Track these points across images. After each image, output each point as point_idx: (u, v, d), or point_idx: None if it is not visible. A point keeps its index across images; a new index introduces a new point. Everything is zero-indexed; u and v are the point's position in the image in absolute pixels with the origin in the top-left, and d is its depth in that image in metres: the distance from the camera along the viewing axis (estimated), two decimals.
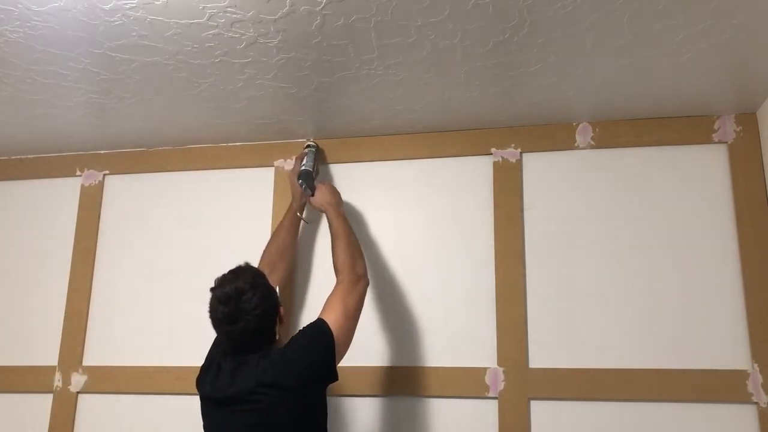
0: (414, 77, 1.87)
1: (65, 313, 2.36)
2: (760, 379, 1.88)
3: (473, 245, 2.14)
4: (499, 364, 2.03)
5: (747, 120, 2.06)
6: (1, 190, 2.56)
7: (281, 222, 2.15)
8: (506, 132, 2.20)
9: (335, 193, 2.13)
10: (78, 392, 2.28)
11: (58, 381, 2.30)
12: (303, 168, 2.17)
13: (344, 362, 2.13)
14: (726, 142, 2.06)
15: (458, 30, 1.63)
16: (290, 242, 2.13)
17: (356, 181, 2.28)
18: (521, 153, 2.18)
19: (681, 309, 1.98)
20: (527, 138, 2.18)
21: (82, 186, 2.48)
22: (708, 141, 2.07)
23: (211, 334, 2.24)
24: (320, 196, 2.10)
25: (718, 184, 2.04)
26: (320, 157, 2.26)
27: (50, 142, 2.42)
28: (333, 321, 1.72)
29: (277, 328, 1.74)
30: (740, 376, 1.89)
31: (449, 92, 1.96)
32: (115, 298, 2.36)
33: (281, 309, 1.75)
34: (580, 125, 2.15)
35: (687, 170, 2.07)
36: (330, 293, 1.83)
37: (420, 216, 2.21)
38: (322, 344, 1.69)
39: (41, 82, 1.93)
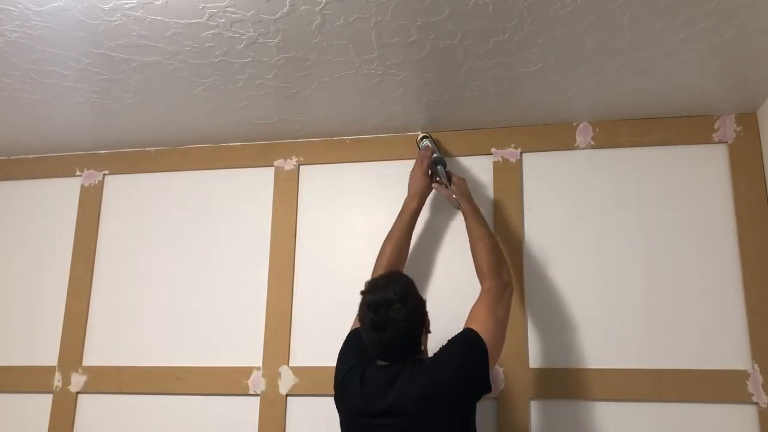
0: (414, 77, 1.87)
1: (65, 313, 2.36)
2: (760, 379, 1.88)
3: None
4: (499, 364, 2.02)
5: (747, 120, 2.06)
6: (1, 190, 2.56)
7: (396, 223, 2.03)
8: (506, 132, 2.20)
9: (467, 188, 2.05)
10: (78, 392, 2.28)
11: (58, 381, 2.30)
12: (437, 155, 2.07)
13: None
14: (726, 142, 2.06)
15: (458, 30, 1.63)
16: (406, 244, 2.04)
17: (356, 181, 2.28)
18: (521, 153, 2.18)
19: (681, 309, 1.98)
20: (527, 138, 2.18)
21: (82, 186, 2.48)
22: (708, 141, 2.07)
23: (209, 334, 2.25)
24: (461, 188, 2.02)
25: (718, 184, 2.04)
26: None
27: (50, 142, 2.42)
28: (483, 330, 1.66)
29: (422, 338, 1.71)
30: (740, 376, 1.89)
31: (449, 92, 1.96)
32: (115, 298, 2.36)
33: (428, 320, 1.72)
34: (580, 125, 2.15)
35: (687, 170, 2.07)
36: (476, 301, 1.78)
37: (420, 216, 2.20)
38: (476, 354, 1.64)
39: (41, 82, 1.93)
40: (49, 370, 2.32)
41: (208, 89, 1.96)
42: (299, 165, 2.32)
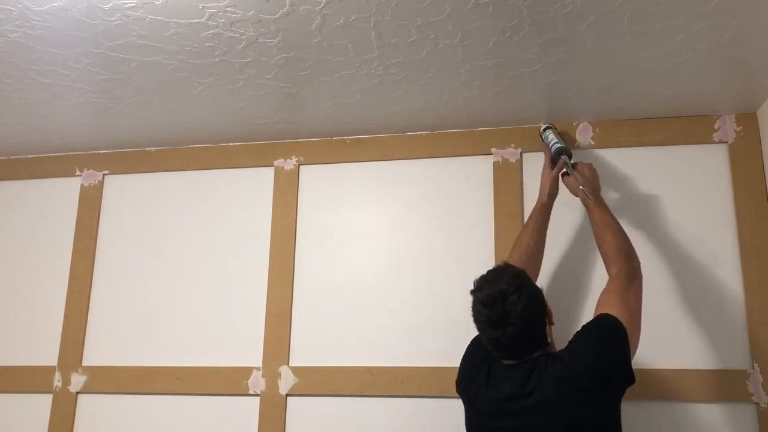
0: (414, 77, 1.87)
1: (65, 313, 2.36)
2: (760, 379, 1.88)
3: (473, 245, 2.14)
4: None
5: (747, 120, 2.06)
6: (1, 190, 2.56)
7: (527, 224, 1.94)
8: (506, 132, 2.20)
9: (596, 176, 1.93)
10: (78, 392, 2.28)
11: (57, 381, 2.30)
12: (560, 145, 1.96)
13: (344, 362, 2.14)
14: (726, 142, 2.06)
15: (458, 30, 1.63)
16: (539, 246, 1.91)
17: (356, 181, 2.28)
18: (521, 153, 2.18)
19: (681, 309, 1.98)
20: (527, 138, 2.18)
21: (82, 186, 2.48)
22: (708, 141, 2.07)
23: (209, 334, 2.25)
24: (587, 177, 1.90)
25: (718, 184, 2.04)
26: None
27: (50, 142, 2.42)
28: (622, 314, 1.54)
29: (548, 330, 1.59)
30: (740, 376, 1.89)
31: (449, 92, 1.96)
32: (115, 298, 2.36)
33: (549, 310, 1.60)
34: (581, 125, 2.15)
35: (687, 170, 2.07)
36: (605, 289, 1.67)
37: (420, 216, 2.21)
38: (617, 341, 1.51)
39: (41, 82, 1.93)
40: (49, 370, 2.32)
41: (208, 89, 1.96)
42: (299, 165, 2.32)
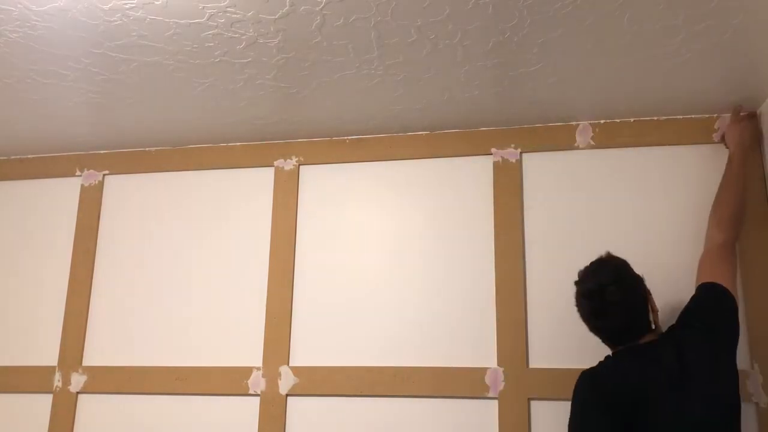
0: (414, 77, 1.87)
1: (65, 313, 2.36)
2: (760, 379, 1.88)
3: (473, 245, 2.14)
4: (499, 364, 2.03)
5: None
6: (1, 190, 2.56)
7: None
8: (506, 132, 2.20)
9: (744, 131, 1.94)
10: (78, 392, 2.28)
11: (57, 381, 2.30)
12: None
13: (343, 362, 2.14)
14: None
15: (458, 30, 1.63)
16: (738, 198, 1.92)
17: (356, 181, 2.28)
18: (521, 153, 2.18)
19: (681, 309, 1.97)
20: (527, 138, 2.18)
21: (82, 186, 2.48)
22: (708, 141, 2.07)
23: (209, 334, 2.25)
24: (733, 132, 1.94)
25: (717, 184, 2.04)
26: None
27: (50, 142, 2.42)
28: (731, 287, 1.67)
29: (652, 317, 1.69)
30: (740, 376, 1.88)
31: (449, 92, 1.96)
32: (115, 298, 2.36)
33: (651, 298, 1.70)
34: (580, 125, 2.15)
35: (687, 170, 2.07)
36: (713, 254, 1.76)
37: (420, 216, 2.21)
38: (731, 307, 1.65)
39: (41, 82, 1.93)
40: (49, 370, 2.32)
41: (208, 89, 1.96)
42: (299, 165, 2.32)
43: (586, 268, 1.71)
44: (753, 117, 2.02)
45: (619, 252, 2.03)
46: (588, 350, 2.00)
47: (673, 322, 1.75)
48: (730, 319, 1.66)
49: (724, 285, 1.67)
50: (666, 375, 1.56)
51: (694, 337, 1.62)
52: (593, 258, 2.05)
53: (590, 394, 1.64)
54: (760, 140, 2.02)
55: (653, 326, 1.69)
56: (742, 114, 2.01)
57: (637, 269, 2.02)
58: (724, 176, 1.90)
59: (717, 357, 1.60)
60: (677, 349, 1.59)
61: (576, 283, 1.70)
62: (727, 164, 1.93)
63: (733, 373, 1.61)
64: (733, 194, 1.85)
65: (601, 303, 1.62)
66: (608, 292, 1.61)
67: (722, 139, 2.03)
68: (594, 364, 1.98)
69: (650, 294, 1.71)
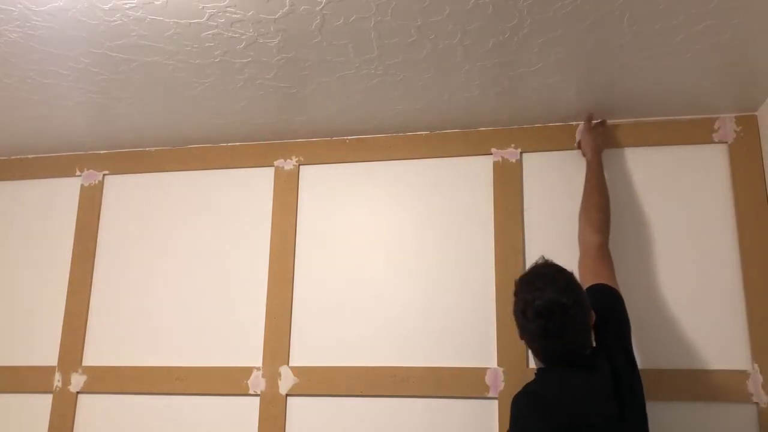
0: (414, 77, 1.87)
1: (65, 313, 2.36)
2: (760, 379, 1.88)
3: (473, 245, 2.14)
4: (499, 364, 2.03)
5: (747, 120, 2.06)
6: (1, 190, 2.56)
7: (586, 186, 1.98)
8: (506, 132, 2.20)
9: (597, 137, 2.02)
10: (78, 392, 2.28)
11: (57, 381, 2.30)
12: None
13: (344, 362, 2.14)
14: (726, 142, 2.06)
15: (458, 30, 1.63)
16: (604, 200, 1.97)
17: (356, 181, 2.28)
18: (521, 153, 2.18)
19: (681, 309, 1.98)
20: (527, 138, 2.18)
21: (82, 186, 2.48)
22: (708, 141, 2.07)
23: (209, 334, 2.25)
24: (587, 140, 2.01)
25: (718, 184, 2.04)
26: None
27: (50, 142, 2.42)
28: (616, 288, 1.67)
29: (593, 333, 1.59)
30: (740, 376, 1.89)
31: (449, 92, 1.96)
32: (115, 298, 2.36)
33: (592, 313, 1.57)
34: (581, 125, 2.15)
35: (687, 170, 2.07)
36: (593, 255, 1.76)
37: (420, 216, 2.21)
38: (623, 306, 1.66)
39: (41, 82, 1.93)
40: (49, 370, 2.32)
41: (208, 89, 1.96)
42: (299, 165, 2.32)
43: (532, 278, 1.53)
44: (604, 123, 2.10)
45: (619, 251, 2.04)
46: None
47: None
48: (626, 318, 1.66)
49: (611, 284, 1.67)
50: (612, 394, 1.50)
51: (612, 343, 1.58)
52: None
53: (534, 416, 1.51)
54: (759, 140, 2.03)
55: (594, 343, 1.60)
56: (594, 122, 2.08)
57: (638, 269, 2.03)
58: (588, 181, 1.94)
59: (629, 357, 1.60)
60: (610, 361, 1.54)
61: (519, 293, 1.53)
62: (588, 170, 1.98)
63: (635, 367, 1.60)
64: (600, 197, 1.88)
65: (561, 325, 1.47)
66: (570, 315, 1.47)
67: (579, 146, 2.09)
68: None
69: (592, 310, 1.59)
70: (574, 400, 1.49)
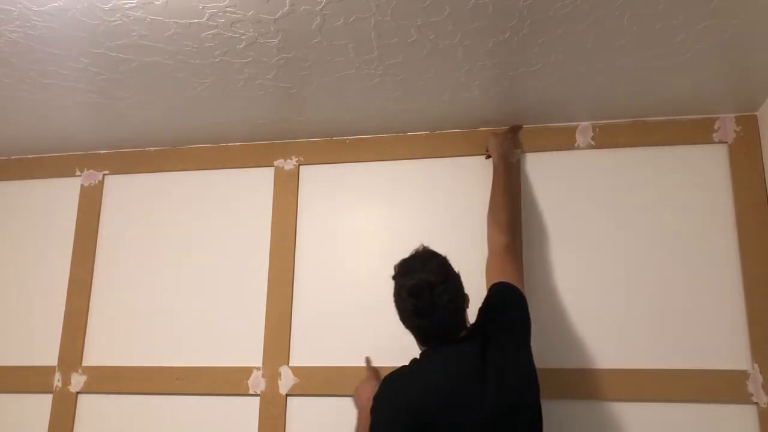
0: (414, 77, 1.87)
1: (65, 313, 2.36)
2: (760, 379, 1.88)
3: (473, 245, 2.14)
4: None
5: (747, 120, 2.06)
6: (1, 190, 2.56)
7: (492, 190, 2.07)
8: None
9: (508, 142, 2.10)
10: (78, 392, 2.28)
11: (57, 381, 2.30)
12: None
13: (344, 362, 2.13)
14: (726, 142, 2.06)
15: (458, 30, 1.63)
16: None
17: (356, 181, 2.28)
18: (521, 153, 2.18)
19: (681, 309, 1.98)
20: (527, 138, 2.18)
21: (82, 186, 2.48)
22: (708, 141, 2.07)
23: (209, 334, 2.25)
24: (494, 144, 2.09)
25: (718, 184, 2.04)
26: None
27: (50, 142, 2.42)
28: (521, 287, 1.72)
29: (466, 315, 1.66)
30: (740, 376, 1.89)
31: (449, 92, 1.96)
32: (115, 298, 2.36)
33: (467, 296, 1.66)
34: (580, 125, 2.15)
35: (687, 170, 2.07)
36: (497, 256, 1.82)
37: (420, 216, 2.21)
38: (524, 304, 1.69)
39: (41, 82, 1.93)
40: (49, 370, 2.32)
41: (208, 89, 1.96)
42: (299, 165, 2.32)
43: (407, 262, 1.63)
44: (515, 129, 2.17)
45: (619, 251, 2.05)
46: (588, 350, 2.00)
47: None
48: (524, 316, 1.69)
49: (515, 283, 1.72)
50: (473, 375, 1.53)
51: (498, 335, 1.61)
52: (593, 258, 2.06)
53: (394, 403, 1.55)
54: (759, 140, 2.03)
55: (467, 325, 1.65)
56: (503, 128, 2.16)
57: (638, 269, 2.03)
58: (495, 184, 2.00)
59: (521, 353, 1.62)
60: (483, 347, 1.57)
61: (396, 277, 1.61)
62: (494, 174, 2.03)
63: (532, 366, 1.62)
64: (507, 200, 1.96)
65: (428, 303, 1.54)
66: (437, 291, 1.54)
67: (486, 151, 2.14)
68: (593, 364, 1.99)
69: (466, 292, 1.65)
70: (431, 379, 1.55)
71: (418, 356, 1.65)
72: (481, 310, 1.69)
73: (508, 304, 1.69)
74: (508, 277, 1.73)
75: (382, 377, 1.65)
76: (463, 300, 1.64)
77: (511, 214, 1.95)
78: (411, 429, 1.50)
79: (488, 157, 2.14)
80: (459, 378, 1.54)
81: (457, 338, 1.60)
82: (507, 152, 2.08)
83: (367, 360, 1.88)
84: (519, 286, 1.72)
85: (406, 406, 1.53)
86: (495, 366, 1.55)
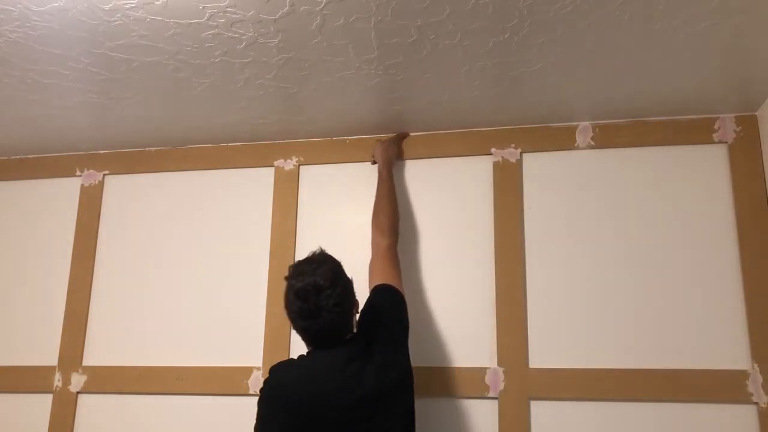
0: (414, 77, 1.87)
1: (65, 313, 2.36)
2: (760, 379, 1.88)
3: (473, 245, 2.14)
4: (499, 364, 2.03)
5: (747, 120, 2.06)
6: (1, 190, 2.56)
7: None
8: (506, 132, 2.20)
9: (392, 150, 2.17)
10: (78, 392, 2.28)
11: (58, 381, 2.30)
12: None
13: None
14: (726, 142, 2.06)
15: (458, 30, 1.63)
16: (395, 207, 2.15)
17: (356, 181, 2.28)
18: (521, 153, 2.18)
19: (681, 309, 1.98)
20: (527, 138, 2.18)
21: (82, 186, 2.48)
22: (708, 141, 2.07)
23: (209, 334, 2.25)
24: (377, 151, 2.17)
25: (718, 184, 2.04)
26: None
27: (50, 142, 2.42)
28: (400, 288, 1.80)
29: (354, 320, 1.71)
30: (740, 376, 1.89)
31: (449, 92, 1.96)
32: (115, 298, 2.36)
33: (357, 301, 1.72)
34: (580, 125, 2.15)
35: (687, 170, 2.07)
36: (379, 257, 1.90)
37: (420, 216, 2.21)
38: (404, 306, 1.77)
39: (41, 82, 1.93)
40: (49, 370, 2.32)
41: (208, 89, 1.96)
42: (299, 165, 2.33)
43: (300, 264, 1.66)
44: (402, 137, 2.24)
45: (619, 251, 2.05)
46: (588, 350, 2.00)
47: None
48: (403, 316, 1.76)
49: (395, 286, 1.79)
50: (353, 373, 1.59)
51: (378, 335, 1.68)
52: (593, 258, 2.06)
53: (273, 399, 1.61)
54: (759, 140, 2.03)
55: (354, 330, 1.71)
56: (391, 135, 2.23)
57: (638, 268, 2.03)
58: (379, 190, 2.08)
59: (396, 351, 1.69)
60: (364, 346, 1.64)
61: (288, 278, 1.64)
62: (378, 179, 2.11)
63: (408, 364, 1.70)
64: (390, 204, 2.04)
65: (315, 305, 1.58)
66: (324, 295, 1.58)
67: (372, 157, 2.21)
68: (594, 364, 1.99)
69: (356, 297, 1.70)
70: (311, 375, 1.61)
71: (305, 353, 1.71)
72: (363, 311, 1.75)
73: (389, 305, 1.76)
74: (388, 279, 1.80)
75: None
76: (351, 305, 1.68)
77: (394, 218, 2.01)
78: (289, 419, 1.57)
79: (374, 162, 2.20)
80: (338, 375, 1.59)
81: (343, 341, 1.66)
82: (391, 159, 2.16)
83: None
84: (399, 288, 1.80)
85: (286, 396, 1.59)
86: (374, 364, 1.62)
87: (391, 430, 1.61)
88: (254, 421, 1.63)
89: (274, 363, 1.65)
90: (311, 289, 1.59)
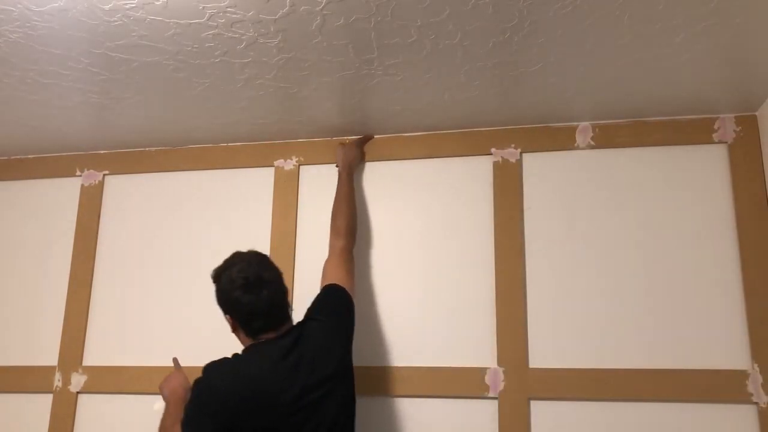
0: (414, 77, 1.87)
1: (65, 313, 2.36)
2: (760, 379, 1.88)
3: (473, 245, 2.14)
4: (499, 364, 2.03)
5: (747, 120, 2.06)
6: (1, 190, 2.56)
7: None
8: (506, 132, 2.20)
9: (352, 154, 2.21)
10: (78, 392, 2.28)
11: (58, 381, 2.30)
12: None
13: None
14: (726, 142, 2.06)
15: (458, 30, 1.63)
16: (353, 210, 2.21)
17: (356, 181, 2.28)
18: (521, 153, 2.18)
19: (681, 309, 1.98)
20: (527, 138, 2.18)
21: (82, 186, 2.48)
22: (708, 141, 2.07)
23: (209, 334, 2.24)
24: (339, 155, 2.22)
25: (718, 184, 2.04)
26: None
27: (50, 142, 2.42)
28: (349, 288, 1.87)
29: (289, 309, 1.79)
30: (740, 376, 1.89)
31: (449, 92, 1.96)
32: (115, 298, 2.36)
33: (287, 289, 1.80)
34: (580, 125, 2.15)
35: (687, 170, 2.07)
36: (333, 259, 1.96)
37: (420, 216, 2.21)
38: (351, 307, 1.84)
39: (41, 82, 1.93)
40: (49, 370, 2.32)
41: (208, 89, 1.96)
42: (299, 165, 2.33)
43: (228, 259, 1.75)
44: (364, 140, 2.26)
45: (619, 251, 2.05)
46: (588, 350, 2.00)
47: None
48: (345, 314, 1.83)
49: (345, 287, 1.86)
50: (289, 367, 1.64)
51: (320, 331, 1.74)
52: (593, 258, 2.06)
53: (211, 388, 1.64)
54: (759, 140, 2.03)
55: (291, 318, 1.78)
56: (348, 139, 2.27)
57: (638, 268, 2.03)
58: (338, 191, 2.13)
59: (339, 347, 1.76)
60: (304, 341, 1.69)
61: (219, 272, 1.73)
62: (338, 182, 2.15)
63: (349, 361, 1.78)
64: (348, 207, 2.09)
65: (257, 277, 1.68)
66: (264, 268, 1.71)
67: (335, 160, 2.24)
68: (594, 364, 1.99)
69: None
70: (247, 370, 1.65)
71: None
72: (309, 309, 1.82)
73: (332, 301, 1.83)
74: (339, 279, 1.87)
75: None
76: (286, 290, 1.77)
77: (351, 220, 2.07)
78: (223, 415, 1.59)
79: (338, 165, 2.23)
80: (275, 372, 1.63)
81: (282, 332, 1.71)
82: (352, 162, 2.20)
83: (175, 360, 1.92)
84: (350, 289, 1.87)
85: (221, 393, 1.61)
86: (310, 356, 1.67)
87: (330, 421, 1.64)
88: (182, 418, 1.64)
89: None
90: (252, 269, 1.69)
